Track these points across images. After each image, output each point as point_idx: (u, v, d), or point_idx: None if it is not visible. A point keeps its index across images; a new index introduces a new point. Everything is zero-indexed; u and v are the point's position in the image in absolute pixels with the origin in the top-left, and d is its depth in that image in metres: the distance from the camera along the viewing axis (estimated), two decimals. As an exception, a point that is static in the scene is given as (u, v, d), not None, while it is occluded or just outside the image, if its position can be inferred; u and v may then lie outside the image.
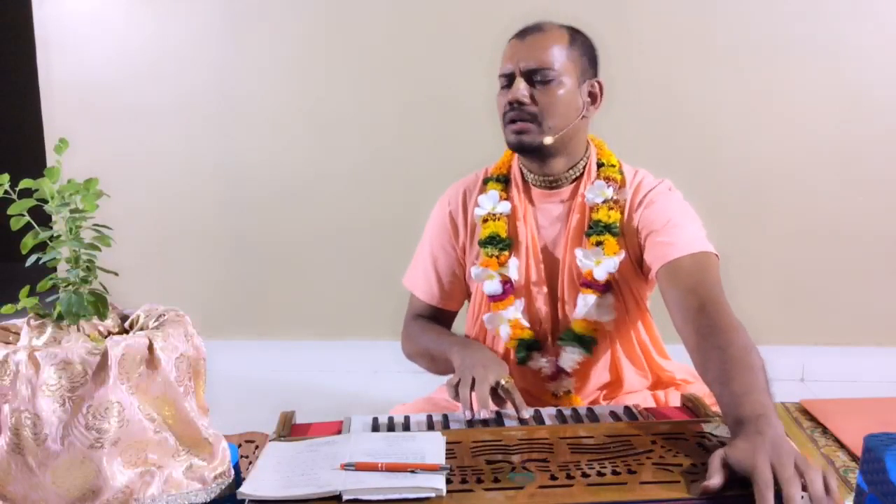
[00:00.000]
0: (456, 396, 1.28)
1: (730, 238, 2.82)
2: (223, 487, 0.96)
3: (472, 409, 1.23)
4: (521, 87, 1.40)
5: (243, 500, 0.90)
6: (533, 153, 1.45)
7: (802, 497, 0.86)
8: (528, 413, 1.21)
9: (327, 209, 3.07)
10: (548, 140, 1.42)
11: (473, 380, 1.27)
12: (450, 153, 2.88)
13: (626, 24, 2.78)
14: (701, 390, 1.30)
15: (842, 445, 1.17)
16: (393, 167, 3.01)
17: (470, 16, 2.86)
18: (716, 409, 1.16)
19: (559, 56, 1.41)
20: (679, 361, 1.58)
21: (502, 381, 1.28)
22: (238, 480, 0.98)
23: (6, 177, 0.92)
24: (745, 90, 2.83)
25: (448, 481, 0.92)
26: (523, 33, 1.45)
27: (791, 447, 0.90)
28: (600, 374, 1.52)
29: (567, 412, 1.21)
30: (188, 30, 2.99)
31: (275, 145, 3.05)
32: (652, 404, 1.48)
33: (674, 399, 1.47)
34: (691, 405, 1.22)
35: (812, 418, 1.28)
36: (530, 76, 1.41)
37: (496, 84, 1.47)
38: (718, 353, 1.13)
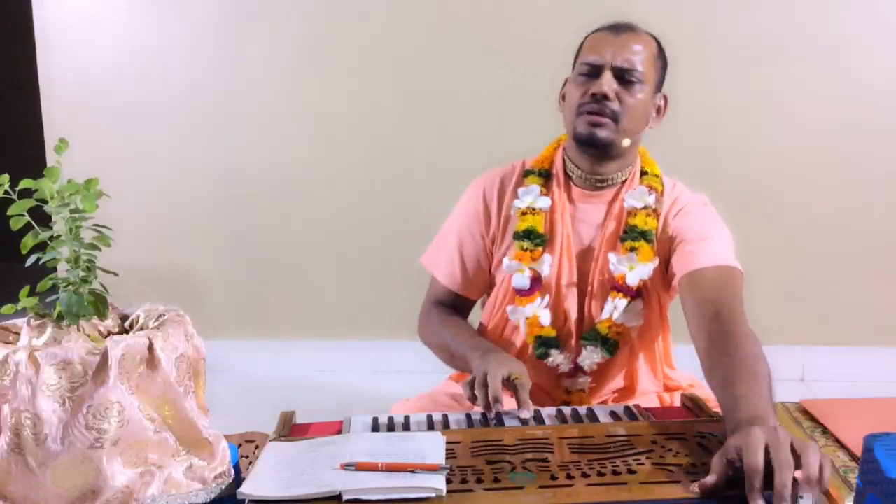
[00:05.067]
0: (472, 396, 1.27)
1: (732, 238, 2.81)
2: (223, 487, 0.96)
3: (487, 407, 1.22)
4: (611, 82, 1.40)
5: (243, 500, 0.90)
6: (599, 149, 1.44)
7: (802, 497, 0.86)
8: (527, 413, 1.20)
9: (328, 208, 3.07)
10: (626, 142, 1.42)
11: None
12: (450, 152, 2.89)
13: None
14: (704, 395, 1.31)
15: (842, 445, 1.17)
16: (393, 166, 3.01)
17: (469, 14, 2.86)
18: (717, 409, 1.16)
19: (648, 62, 1.42)
20: (684, 368, 1.60)
21: (514, 375, 1.28)
22: (238, 480, 0.98)
23: (6, 177, 0.92)
24: (746, 90, 2.83)
25: (448, 481, 0.92)
26: (616, 29, 1.45)
27: (787, 433, 0.90)
28: (616, 379, 1.52)
29: (567, 412, 1.21)
30: (187, 29, 2.99)
31: (274, 144, 3.05)
32: (654, 404, 1.48)
33: (676, 400, 1.47)
34: (691, 405, 1.22)
35: (812, 418, 1.28)
36: (621, 73, 1.40)
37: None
38: (726, 359, 1.13)
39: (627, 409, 1.21)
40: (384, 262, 3.00)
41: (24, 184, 0.93)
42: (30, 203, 0.93)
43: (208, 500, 0.94)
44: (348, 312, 3.13)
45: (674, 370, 1.59)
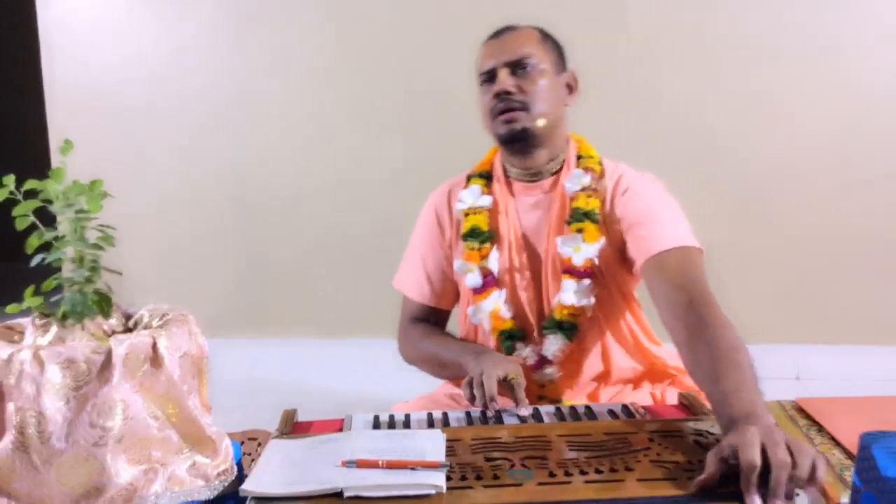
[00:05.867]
0: (471, 396, 1.28)
1: (728, 237, 2.82)
2: (226, 484, 0.97)
3: (485, 406, 1.24)
4: (507, 78, 1.45)
5: (246, 497, 0.91)
6: (522, 142, 1.47)
7: (798, 495, 0.87)
8: (525, 411, 1.22)
9: (328, 209, 3.07)
10: (541, 122, 1.45)
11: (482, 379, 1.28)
12: (450, 154, 2.88)
13: (626, 24, 2.79)
14: (694, 384, 1.31)
15: (837, 444, 1.18)
16: (394, 167, 3.01)
17: (471, 16, 2.86)
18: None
19: (536, 48, 1.47)
20: (671, 348, 1.59)
21: (510, 375, 1.30)
22: (241, 477, 0.99)
23: (12, 177, 0.93)
24: (745, 90, 2.83)
25: (448, 478, 0.93)
26: (498, 34, 1.52)
27: (782, 433, 0.91)
28: (592, 364, 1.53)
29: (565, 410, 1.22)
30: (191, 32, 3.00)
31: (277, 146, 3.06)
32: (649, 402, 1.49)
33: (671, 397, 1.48)
34: (688, 403, 1.23)
35: (808, 416, 1.28)
36: (513, 68, 1.46)
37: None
38: (707, 350, 1.13)
39: (624, 407, 1.22)
40: (385, 261, 2.98)
41: (30, 185, 0.94)
42: (35, 204, 0.94)
43: (211, 497, 0.95)
44: (350, 311, 3.14)
45: (659, 346, 1.58)
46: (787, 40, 2.79)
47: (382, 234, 3.03)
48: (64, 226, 0.96)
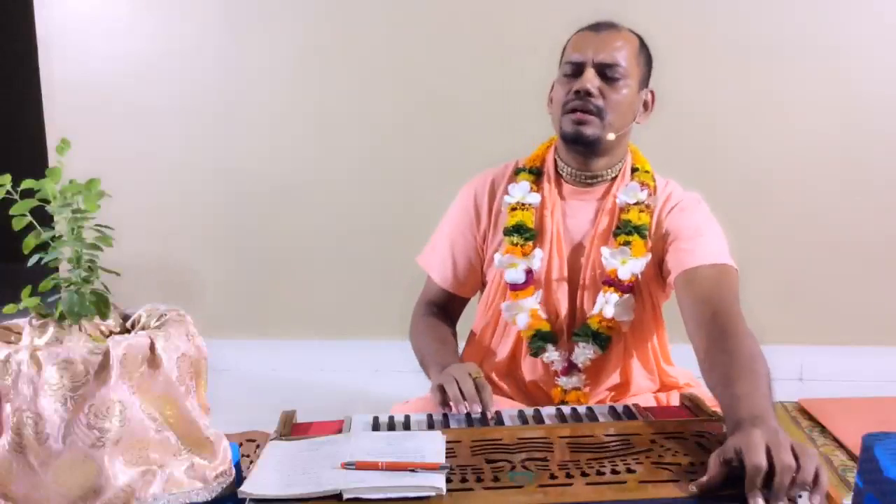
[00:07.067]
0: (441, 401, 1.29)
1: (729, 237, 2.82)
2: (224, 486, 0.97)
3: (458, 399, 1.25)
4: (593, 78, 1.41)
5: (244, 499, 0.91)
6: (586, 146, 1.45)
7: (800, 496, 0.86)
8: (490, 412, 1.22)
9: (328, 209, 3.07)
10: (611, 136, 1.43)
11: (456, 380, 1.29)
12: (450, 154, 2.89)
13: (626, 24, 2.78)
14: (702, 394, 1.31)
15: (840, 445, 1.17)
16: (393, 167, 3.01)
17: (470, 17, 2.86)
18: (716, 409, 1.16)
19: (630, 58, 1.44)
20: (681, 366, 1.60)
21: (473, 374, 1.30)
22: (239, 479, 0.99)
23: (8, 177, 0.93)
24: (745, 90, 2.83)
25: (448, 480, 0.93)
26: (597, 27, 1.47)
27: (787, 436, 0.91)
28: (611, 376, 1.53)
29: (567, 411, 1.22)
30: (189, 30, 2.99)
31: (276, 145, 3.05)
32: (652, 404, 1.48)
33: (673, 399, 1.48)
34: (690, 405, 1.23)
35: (811, 417, 1.28)
36: (602, 70, 1.42)
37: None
38: (725, 358, 1.14)
39: (626, 408, 1.22)
40: (385, 261, 3.00)
41: (26, 184, 0.94)
42: (32, 203, 0.94)
43: (209, 499, 0.95)
44: (349, 312, 3.13)
45: (672, 366, 1.60)
46: (787, 40, 2.79)
47: (383, 233, 3.03)
48: (61, 225, 0.96)
